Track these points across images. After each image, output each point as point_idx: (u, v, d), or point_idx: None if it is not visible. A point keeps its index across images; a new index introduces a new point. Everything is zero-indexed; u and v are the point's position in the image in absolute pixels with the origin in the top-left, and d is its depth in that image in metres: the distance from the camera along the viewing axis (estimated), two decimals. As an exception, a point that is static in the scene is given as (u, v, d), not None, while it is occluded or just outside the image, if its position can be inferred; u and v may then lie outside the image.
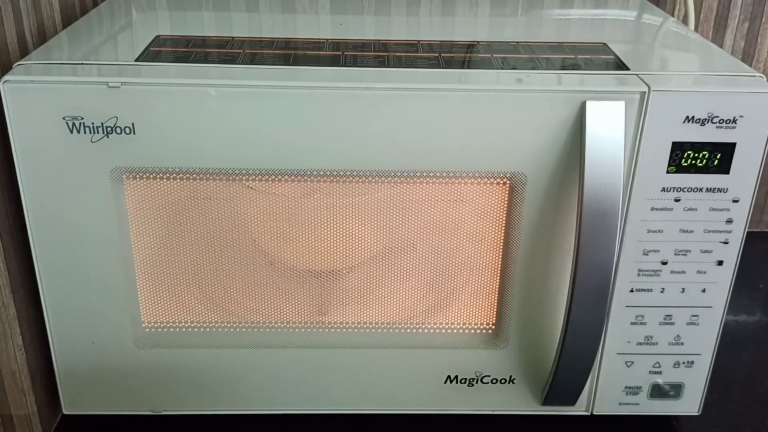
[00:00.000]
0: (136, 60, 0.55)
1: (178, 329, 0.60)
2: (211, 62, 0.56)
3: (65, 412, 0.62)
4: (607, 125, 0.52)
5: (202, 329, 0.60)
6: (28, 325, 0.59)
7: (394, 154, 0.54)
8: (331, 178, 0.55)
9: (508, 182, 0.55)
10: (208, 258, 0.58)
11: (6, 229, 0.55)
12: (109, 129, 0.52)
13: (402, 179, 0.55)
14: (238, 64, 0.55)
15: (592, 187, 0.52)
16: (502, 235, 0.57)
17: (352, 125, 0.53)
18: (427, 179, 0.55)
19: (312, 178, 0.55)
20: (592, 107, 0.52)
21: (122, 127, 0.52)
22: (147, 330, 0.60)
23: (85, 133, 0.52)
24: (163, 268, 0.58)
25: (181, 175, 0.54)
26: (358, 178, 0.55)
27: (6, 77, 0.51)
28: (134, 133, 0.52)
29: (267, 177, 0.55)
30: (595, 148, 0.52)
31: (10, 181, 0.55)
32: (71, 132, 0.52)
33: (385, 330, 0.61)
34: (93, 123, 0.52)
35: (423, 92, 0.52)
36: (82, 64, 0.54)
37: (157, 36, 0.61)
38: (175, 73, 0.54)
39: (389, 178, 0.55)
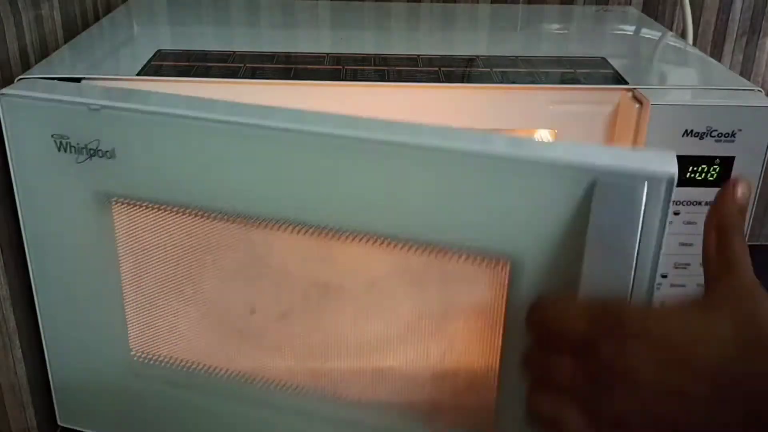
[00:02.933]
0: (138, 74, 0.55)
1: (163, 364, 0.57)
2: (212, 76, 0.56)
3: (60, 423, 0.62)
4: (618, 211, 0.41)
5: (184, 369, 0.57)
6: (28, 339, 0.59)
7: (394, 219, 0.46)
8: (310, 234, 0.48)
9: (508, 266, 0.45)
10: (189, 297, 0.55)
11: (7, 243, 0.56)
12: (92, 151, 0.50)
13: (399, 250, 0.47)
14: (240, 77, 0.56)
15: (592, 284, 0.42)
16: (503, 321, 0.47)
17: (345, 179, 0.46)
18: (418, 256, 0.47)
19: (302, 232, 0.49)
20: (600, 192, 0.41)
21: (104, 151, 0.50)
22: (135, 358, 0.57)
23: (71, 152, 0.51)
24: (150, 299, 0.55)
25: (157, 207, 0.52)
26: (343, 238, 0.48)
27: (2, 90, 0.51)
28: (114, 158, 0.50)
29: (249, 224, 0.50)
30: (600, 241, 0.41)
31: (9, 195, 0.55)
32: (59, 150, 0.51)
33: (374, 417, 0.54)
34: (78, 143, 0.50)
35: (418, 151, 0.44)
36: (84, 78, 0.54)
37: (159, 50, 0.61)
38: (156, 101, 0.50)
39: (385, 244, 0.47)
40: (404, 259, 0.47)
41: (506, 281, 0.45)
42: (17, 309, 0.57)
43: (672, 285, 0.58)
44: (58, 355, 0.59)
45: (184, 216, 0.51)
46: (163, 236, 0.53)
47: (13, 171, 0.53)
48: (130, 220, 0.53)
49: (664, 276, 0.57)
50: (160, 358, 0.57)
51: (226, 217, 0.50)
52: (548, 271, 0.44)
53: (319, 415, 0.55)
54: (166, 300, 0.55)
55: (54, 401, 0.61)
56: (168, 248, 0.53)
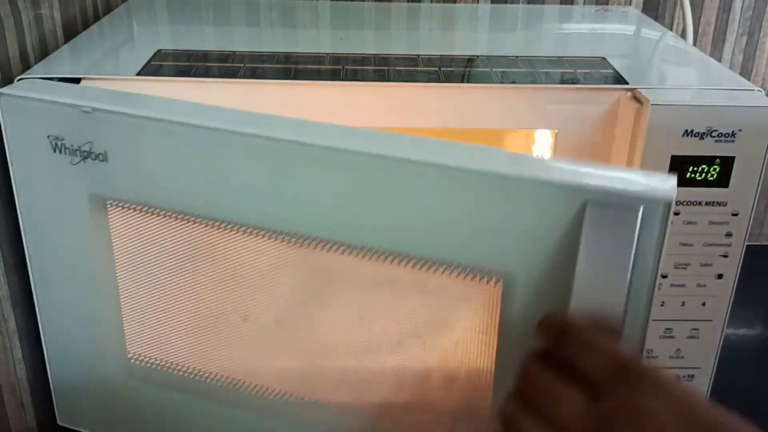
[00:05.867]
0: (138, 74, 0.55)
1: (159, 367, 0.57)
2: (212, 76, 0.56)
3: (60, 423, 0.62)
4: (611, 233, 0.40)
5: (180, 373, 0.56)
6: (28, 339, 0.59)
7: (383, 232, 0.46)
8: (308, 245, 0.48)
9: (501, 284, 0.44)
10: (183, 303, 0.54)
11: (7, 243, 0.56)
12: (85, 153, 0.50)
13: (389, 264, 0.46)
14: (240, 77, 0.56)
15: (586, 300, 0.41)
16: (497, 339, 0.46)
17: (337, 191, 0.46)
18: (416, 267, 0.46)
19: (291, 242, 0.48)
20: (593, 213, 0.40)
21: (96, 154, 0.50)
22: (132, 362, 0.57)
23: (65, 154, 0.50)
24: (146, 302, 0.55)
25: (149, 211, 0.51)
26: (333, 251, 0.47)
27: (1, 90, 0.51)
28: (107, 161, 0.50)
29: (239, 231, 0.49)
30: (591, 265, 0.40)
31: (10, 195, 0.55)
32: (54, 152, 0.50)
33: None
34: (72, 145, 0.50)
35: (414, 167, 0.44)
36: (84, 78, 0.54)
37: (159, 50, 0.61)
38: (148, 106, 0.50)
39: (375, 256, 0.47)
40: (394, 273, 0.47)
41: (499, 298, 0.44)
42: (17, 309, 0.57)
43: (672, 285, 0.58)
44: (58, 355, 0.59)
45: (174, 221, 0.51)
46: (155, 240, 0.52)
47: (13, 171, 0.53)
48: (124, 222, 0.52)
49: (664, 276, 0.57)
50: (156, 361, 0.57)
51: (213, 223, 0.50)
52: (540, 289, 0.43)
53: (309, 419, 0.55)
54: (161, 303, 0.55)
55: (54, 401, 0.61)
56: (161, 252, 0.53)
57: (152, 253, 0.53)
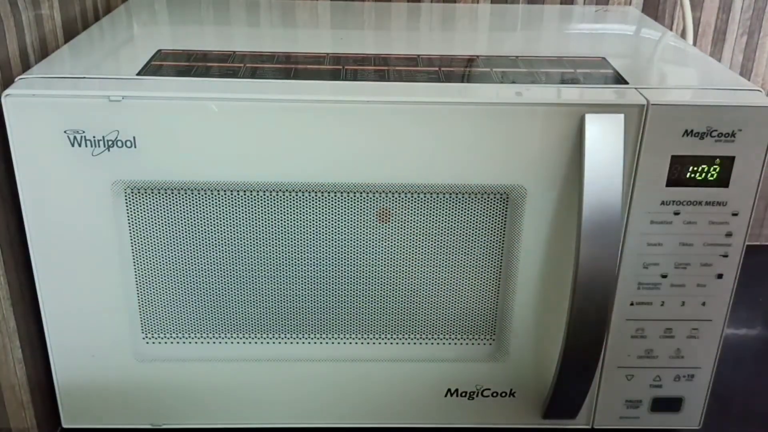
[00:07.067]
0: (138, 74, 0.55)
1: (178, 342, 0.60)
2: (212, 76, 0.56)
3: (64, 426, 0.62)
4: (606, 138, 0.52)
5: (201, 343, 0.60)
6: (28, 339, 0.59)
7: (393, 167, 0.54)
8: (331, 191, 0.55)
9: (507, 196, 0.55)
10: (208, 271, 0.58)
11: (7, 242, 0.55)
12: (110, 142, 0.52)
13: (401, 193, 0.55)
14: (240, 77, 0.56)
15: (591, 200, 0.52)
16: (502, 248, 0.57)
17: (351, 139, 0.53)
18: (427, 193, 0.55)
19: (312, 192, 0.55)
20: (591, 120, 0.52)
21: (123, 141, 0.52)
22: (147, 343, 0.60)
23: (86, 146, 0.52)
24: (163, 282, 0.58)
25: (181, 188, 0.54)
26: (357, 193, 0.55)
27: (7, 91, 0.51)
28: (135, 147, 0.53)
29: (268, 191, 0.55)
30: (595, 161, 0.52)
31: (11, 194, 0.55)
32: (72, 145, 0.52)
33: (384, 343, 0.61)
34: (94, 136, 0.52)
35: (422, 106, 0.53)
36: (84, 78, 0.54)
37: (159, 50, 0.61)
38: (176, 87, 0.54)
39: (389, 192, 0.55)
40: (420, 200, 0.56)
41: (507, 209, 0.56)
42: (17, 309, 0.57)
43: (672, 285, 0.58)
44: (63, 353, 0.59)
45: (206, 194, 0.55)
46: (179, 216, 0.56)
47: (17, 170, 0.53)
48: (145, 205, 0.55)
49: (664, 276, 0.57)
50: (172, 338, 0.60)
51: (249, 189, 0.55)
52: (550, 197, 0.54)
53: (335, 352, 0.61)
54: (183, 277, 0.58)
55: (59, 402, 0.61)
56: (185, 226, 0.56)
57: (173, 229, 0.56)
